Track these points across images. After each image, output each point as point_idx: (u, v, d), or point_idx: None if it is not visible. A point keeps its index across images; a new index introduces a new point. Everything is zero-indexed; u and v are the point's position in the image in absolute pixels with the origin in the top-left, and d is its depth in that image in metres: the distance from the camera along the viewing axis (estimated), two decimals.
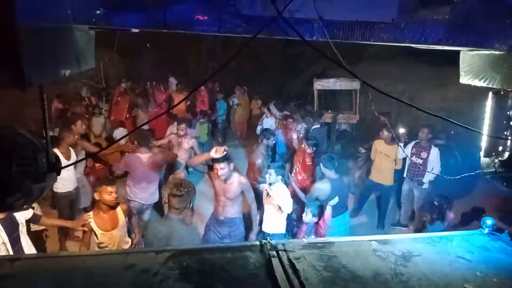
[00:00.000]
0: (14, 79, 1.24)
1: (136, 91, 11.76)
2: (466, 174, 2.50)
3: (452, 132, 7.87)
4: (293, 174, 6.08)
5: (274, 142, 6.73)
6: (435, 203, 5.07)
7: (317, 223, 4.89)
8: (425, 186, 6.36)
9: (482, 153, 2.53)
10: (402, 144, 6.31)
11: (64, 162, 4.82)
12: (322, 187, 4.94)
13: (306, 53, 12.86)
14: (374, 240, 1.99)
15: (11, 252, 3.37)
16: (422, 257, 1.84)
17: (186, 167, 6.73)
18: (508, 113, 2.35)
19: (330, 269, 1.67)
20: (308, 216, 4.47)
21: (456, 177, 2.57)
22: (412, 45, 2.19)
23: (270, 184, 4.73)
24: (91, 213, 3.96)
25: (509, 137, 2.35)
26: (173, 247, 1.87)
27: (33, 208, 3.99)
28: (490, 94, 2.43)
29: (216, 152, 4.25)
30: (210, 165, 4.60)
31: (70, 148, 5.37)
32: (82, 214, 4.18)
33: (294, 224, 5.50)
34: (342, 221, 5.09)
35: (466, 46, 2.25)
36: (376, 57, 10.87)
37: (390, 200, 6.99)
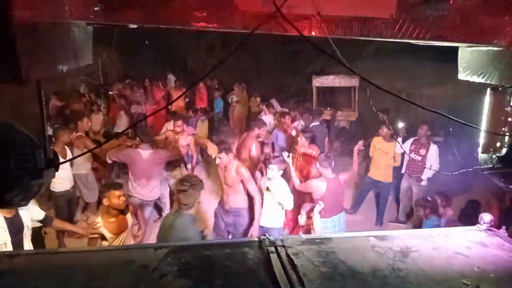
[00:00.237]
0: (11, 74, 1.24)
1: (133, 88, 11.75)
2: (464, 170, 2.51)
3: (451, 129, 7.88)
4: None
5: (264, 132, 6.78)
6: (429, 198, 5.30)
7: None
8: (424, 183, 6.37)
9: (480, 149, 2.53)
10: (400, 139, 6.31)
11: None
12: (317, 185, 4.94)
13: (305, 50, 12.83)
14: (372, 236, 2.00)
15: None
16: (420, 252, 1.84)
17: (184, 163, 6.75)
18: (506, 109, 2.35)
19: (329, 265, 1.68)
20: (303, 218, 4.44)
21: (453, 173, 2.58)
22: (411, 42, 2.18)
23: (268, 179, 4.76)
24: (100, 219, 3.94)
25: (507, 133, 2.35)
26: (172, 243, 1.88)
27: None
28: (488, 90, 2.44)
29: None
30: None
31: (66, 147, 5.36)
32: (90, 218, 4.15)
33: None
34: (337, 222, 5.07)
35: (464, 42, 2.25)
36: (375, 54, 10.85)
37: (389, 197, 7.01)
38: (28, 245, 3.67)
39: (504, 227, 2.13)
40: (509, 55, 2.18)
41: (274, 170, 4.71)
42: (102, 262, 1.73)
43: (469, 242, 2.01)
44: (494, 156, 2.48)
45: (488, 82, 2.38)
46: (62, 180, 5.33)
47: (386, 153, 6.54)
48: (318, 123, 7.81)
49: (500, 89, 2.37)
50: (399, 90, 9.58)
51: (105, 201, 3.90)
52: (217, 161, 4.71)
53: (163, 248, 1.79)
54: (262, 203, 4.86)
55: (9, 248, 3.39)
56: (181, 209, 3.39)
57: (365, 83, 1.84)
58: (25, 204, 3.44)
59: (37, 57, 1.41)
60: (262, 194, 4.95)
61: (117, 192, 3.84)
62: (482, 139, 2.51)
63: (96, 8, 1.85)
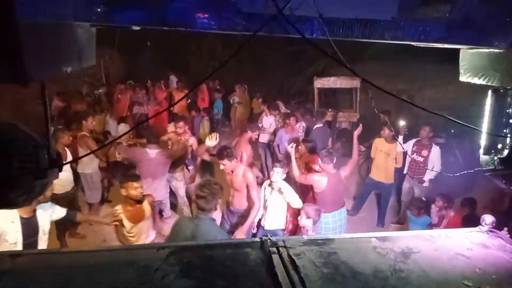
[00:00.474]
0: (16, 75, 1.24)
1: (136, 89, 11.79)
2: (465, 172, 2.51)
3: (453, 131, 7.87)
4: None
5: (256, 136, 6.85)
6: (423, 198, 5.73)
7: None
8: (426, 184, 6.37)
9: (481, 151, 2.53)
10: (401, 137, 6.30)
11: None
12: (318, 179, 4.97)
13: (307, 51, 12.86)
14: (374, 237, 2.00)
15: None
16: (421, 254, 1.84)
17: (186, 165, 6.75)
18: (507, 111, 2.35)
19: (330, 266, 1.68)
20: (303, 219, 4.46)
21: (455, 175, 2.58)
22: (412, 43, 2.19)
23: (272, 182, 4.80)
24: (119, 207, 4.09)
25: (508, 135, 2.35)
26: (174, 243, 1.88)
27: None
28: (490, 92, 2.44)
29: (211, 139, 4.84)
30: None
31: (66, 148, 5.38)
32: (111, 209, 4.25)
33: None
34: (338, 217, 5.11)
35: (465, 44, 2.25)
36: (377, 56, 10.87)
37: (390, 198, 7.00)
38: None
39: (506, 228, 2.13)
40: (510, 57, 2.18)
41: (278, 174, 4.75)
42: (104, 262, 1.73)
43: (471, 243, 2.01)
44: (495, 158, 2.48)
45: (489, 84, 2.38)
46: (62, 182, 5.34)
47: (388, 154, 6.53)
48: (321, 124, 7.81)
49: (501, 91, 2.37)
50: (400, 91, 9.59)
51: (123, 191, 4.05)
52: (221, 167, 4.74)
53: (165, 248, 1.79)
54: (265, 206, 4.89)
55: (19, 248, 3.35)
56: (199, 214, 3.40)
57: (366, 84, 1.84)
58: (28, 204, 3.46)
59: (41, 58, 1.42)
60: (263, 199, 4.99)
61: (135, 184, 3.99)
62: (483, 140, 2.51)
63: (99, 10, 1.86)
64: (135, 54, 16.21)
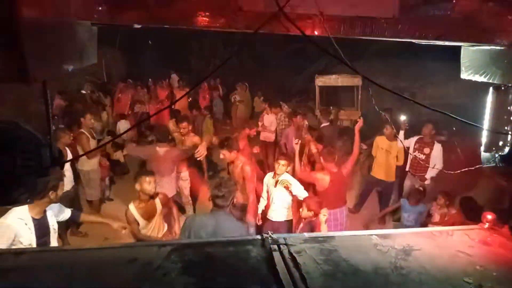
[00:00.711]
0: (19, 74, 1.25)
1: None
2: (466, 169, 2.51)
3: (454, 128, 7.85)
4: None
5: (254, 133, 6.92)
6: (420, 188, 5.88)
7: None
8: (428, 182, 6.35)
9: (482, 148, 2.53)
10: (402, 132, 6.30)
11: None
12: (322, 178, 4.99)
13: (308, 49, 12.83)
14: (375, 235, 2.01)
15: None
16: (422, 251, 1.85)
17: None
18: (508, 108, 2.35)
19: (331, 263, 1.69)
20: (305, 211, 4.47)
21: (456, 172, 2.58)
22: (413, 41, 2.19)
23: (277, 174, 4.85)
24: (132, 205, 4.13)
25: (510, 132, 2.35)
26: (175, 241, 1.89)
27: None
28: (491, 89, 2.44)
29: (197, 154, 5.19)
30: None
31: (66, 148, 5.39)
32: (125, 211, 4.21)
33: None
34: (340, 215, 5.14)
35: (467, 41, 2.25)
36: (378, 54, 10.84)
37: (392, 196, 6.99)
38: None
39: (506, 225, 2.13)
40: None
41: (284, 166, 4.80)
42: (106, 260, 1.75)
43: (472, 241, 2.01)
44: (496, 155, 2.48)
45: (490, 81, 2.38)
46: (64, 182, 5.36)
47: (389, 152, 6.52)
48: (327, 123, 7.80)
49: (502, 88, 2.37)
50: (402, 89, 9.57)
51: (137, 186, 4.13)
52: (221, 156, 5.01)
53: (167, 246, 1.80)
54: (270, 198, 4.96)
55: None
56: (215, 210, 3.48)
57: (368, 82, 1.84)
58: (31, 202, 3.47)
59: (43, 57, 1.42)
60: (266, 192, 5.05)
61: (147, 178, 4.09)
62: (484, 138, 2.51)
63: (100, 8, 1.86)
64: (136, 53, 16.23)
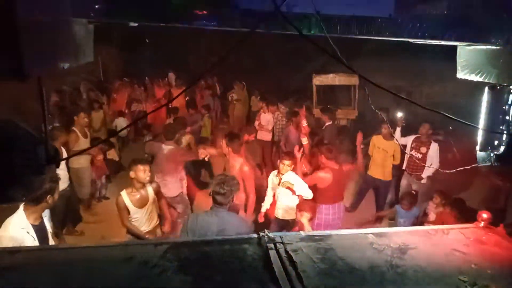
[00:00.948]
0: (14, 71, 1.25)
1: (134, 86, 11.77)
2: (462, 168, 2.53)
3: (451, 128, 7.88)
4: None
5: (252, 138, 6.88)
6: (413, 192, 6.00)
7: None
8: (424, 181, 6.37)
9: (478, 148, 2.54)
10: (399, 129, 6.33)
11: None
12: (324, 176, 5.04)
13: (306, 48, 12.83)
14: (371, 233, 2.02)
15: None
16: (418, 249, 1.86)
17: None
18: (504, 107, 2.36)
19: (327, 262, 1.69)
20: (299, 214, 4.49)
21: (452, 171, 2.59)
22: (410, 40, 2.19)
23: (282, 174, 4.87)
24: (124, 192, 4.18)
25: (505, 131, 2.36)
26: (171, 239, 1.89)
27: None
28: (486, 88, 2.45)
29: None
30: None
31: (62, 147, 5.37)
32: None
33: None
34: (338, 209, 5.24)
35: (463, 41, 2.26)
36: (375, 53, 10.85)
37: (388, 195, 7.02)
38: None
39: (502, 224, 2.14)
40: (507, 54, 2.19)
41: (289, 166, 4.83)
42: (102, 258, 1.74)
43: (467, 239, 2.02)
44: (492, 155, 2.49)
45: (486, 80, 2.39)
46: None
47: (386, 151, 6.53)
48: (331, 122, 7.81)
49: (498, 87, 2.38)
50: (398, 88, 9.59)
51: (131, 174, 4.18)
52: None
53: (163, 244, 1.80)
54: (274, 196, 5.02)
55: None
56: (216, 208, 3.43)
57: (365, 81, 1.85)
58: (26, 200, 3.45)
59: (39, 54, 1.42)
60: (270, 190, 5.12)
61: (142, 167, 4.14)
62: (480, 137, 2.52)
63: (97, 6, 1.86)
64: (133, 51, 16.17)
